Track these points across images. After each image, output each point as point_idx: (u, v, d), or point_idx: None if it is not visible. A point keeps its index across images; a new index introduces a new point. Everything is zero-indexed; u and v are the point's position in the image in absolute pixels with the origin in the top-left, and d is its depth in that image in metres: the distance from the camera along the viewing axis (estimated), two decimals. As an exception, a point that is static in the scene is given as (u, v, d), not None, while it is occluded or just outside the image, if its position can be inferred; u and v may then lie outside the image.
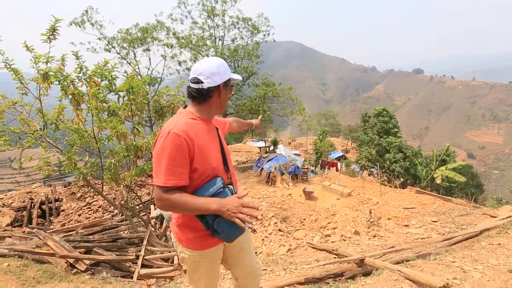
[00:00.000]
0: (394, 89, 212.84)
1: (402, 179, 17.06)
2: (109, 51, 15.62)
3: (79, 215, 8.12)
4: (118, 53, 15.69)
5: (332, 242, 5.12)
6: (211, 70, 1.32)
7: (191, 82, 1.34)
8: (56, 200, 9.61)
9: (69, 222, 7.85)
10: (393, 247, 3.36)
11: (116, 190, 8.63)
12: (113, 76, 3.96)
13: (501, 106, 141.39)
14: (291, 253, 4.74)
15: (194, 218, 1.30)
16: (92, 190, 9.37)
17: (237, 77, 1.50)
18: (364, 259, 2.86)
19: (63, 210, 9.06)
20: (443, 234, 4.28)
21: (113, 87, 3.91)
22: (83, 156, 5.42)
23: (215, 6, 17.03)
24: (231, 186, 1.38)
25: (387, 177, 17.47)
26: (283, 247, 5.35)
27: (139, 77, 15.24)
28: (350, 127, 54.60)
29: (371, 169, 19.49)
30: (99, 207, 8.19)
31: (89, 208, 8.38)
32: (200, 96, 1.34)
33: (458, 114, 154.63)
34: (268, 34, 18.24)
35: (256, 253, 5.24)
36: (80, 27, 14.24)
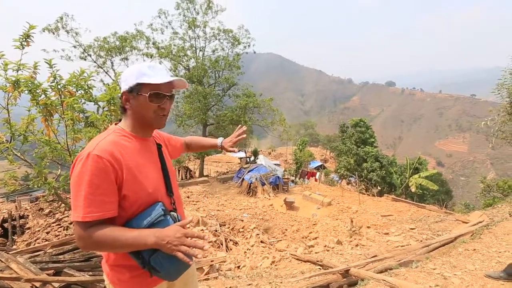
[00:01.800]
0: (369, 101, 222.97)
1: (379, 188, 17.66)
2: (85, 59, 15.03)
3: (47, 232, 7.55)
4: (95, 62, 15.13)
5: (316, 253, 5.12)
6: (122, 76, 1.15)
7: None
8: (21, 217, 8.88)
9: (35, 241, 7.26)
10: (375, 256, 3.42)
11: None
12: (89, 86, 3.79)
13: (465, 117, 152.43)
14: (275, 265, 4.68)
15: (128, 255, 1.09)
16: (62, 205, 8.79)
17: (158, 79, 1.10)
18: (349, 269, 2.87)
19: (28, 228, 8.38)
20: (421, 241, 4.43)
21: (91, 97, 3.73)
22: (52, 169, 5.09)
23: (196, 17, 17.10)
24: (174, 213, 1.18)
25: (365, 185, 18.00)
26: (266, 259, 5.27)
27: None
28: (329, 137, 56.18)
29: (349, 178, 20.01)
30: (70, 223, 7.67)
31: (59, 224, 7.82)
32: (121, 107, 1.19)
33: (427, 125, 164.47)
34: (249, 46, 18.53)
35: (239, 266, 5.12)
36: (53, 33, 13.64)
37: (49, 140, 3.85)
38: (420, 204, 12.30)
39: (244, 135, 1.81)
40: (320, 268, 3.54)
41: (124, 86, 1.14)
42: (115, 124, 1.21)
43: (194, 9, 17.19)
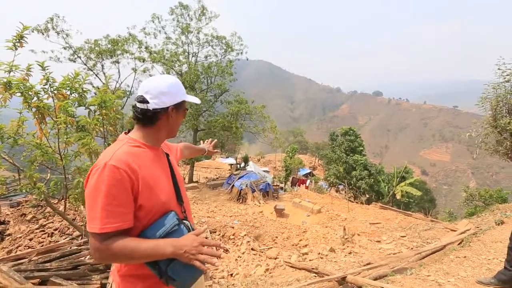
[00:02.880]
0: (357, 110, 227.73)
1: (367, 195, 17.92)
2: (74, 61, 14.67)
3: (30, 239, 7.21)
4: (85, 64, 14.82)
5: (310, 260, 5.13)
6: (159, 89, 1.14)
7: (137, 101, 1.16)
8: (1, 222, 8.48)
9: (17, 248, 6.93)
10: (369, 263, 3.46)
11: (76, 210, 7.91)
12: (84, 89, 3.73)
13: (448, 128, 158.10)
14: (270, 273, 4.65)
15: (142, 265, 1.08)
16: (47, 211, 8.47)
17: (195, 100, 1.28)
18: (345, 277, 2.90)
19: (9, 235, 7.99)
20: (412, 248, 4.53)
21: (84, 100, 3.67)
22: (40, 173, 4.93)
23: (189, 23, 17.14)
24: (187, 222, 1.18)
25: (354, 193, 18.24)
26: (260, 267, 5.23)
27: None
28: (317, 145, 56.81)
29: (338, 186, 20.23)
30: (56, 229, 7.38)
31: (43, 231, 7.48)
32: (145, 118, 1.16)
33: (412, 134, 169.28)
34: (241, 53, 18.67)
35: (232, 274, 5.06)
36: (43, 34, 13.33)
37: (40, 143, 3.74)
38: (407, 212, 12.56)
39: (215, 140, 2.26)
40: (315, 276, 3.55)
41: (169, 102, 1.17)
42: (125, 134, 1.22)
43: (188, 15, 17.25)
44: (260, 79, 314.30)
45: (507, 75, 7.58)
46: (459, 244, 3.86)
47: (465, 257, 3.01)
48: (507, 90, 7.69)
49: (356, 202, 16.04)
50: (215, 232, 9.25)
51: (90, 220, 0.99)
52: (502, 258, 2.93)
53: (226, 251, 7.93)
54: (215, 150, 2.22)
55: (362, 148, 19.68)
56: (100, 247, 0.98)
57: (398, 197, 17.57)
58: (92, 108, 3.93)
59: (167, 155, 1.34)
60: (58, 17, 13.79)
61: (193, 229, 1.18)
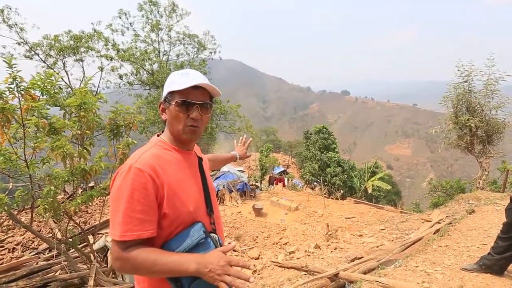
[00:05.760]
0: (327, 108, 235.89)
1: (341, 191, 18.62)
2: (31, 59, 13.40)
3: (-13, 257, 6.47)
4: (44, 62, 13.54)
5: (298, 258, 5.18)
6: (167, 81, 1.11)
7: None
8: (-50, 240, 7.51)
9: (-29, 267, 6.17)
10: (356, 258, 3.57)
11: (40, 222, 7.26)
12: (56, 90, 3.42)
13: (409, 124, 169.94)
14: (259, 274, 4.62)
15: (163, 281, 1.00)
16: (4, 224, 7.69)
17: (176, 86, 1.04)
18: (338, 273, 2.95)
19: (-40, 253, 7.10)
20: (392, 240, 4.77)
21: (56, 102, 3.37)
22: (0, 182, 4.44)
23: (159, 20, 16.49)
24: (215, 235, 1.08)
25: (328, 189, 18.85)
26: (246, 268, 5.17)
27: (69, 89, 13.48)
28: (290, 143, 57.87)
29: (314, 183, 20.78)
30: (18, 244, 6.69)
31: (2, 246, 6.76)
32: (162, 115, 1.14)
33: (378, 131, 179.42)
34: (215, 52, 18.39)
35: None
36: (-9, 28, 11.99)
37: (1, 149, 3.35)
38: (378, 205, 13.25)
39: (250, 139, 2.03)
40: (305, 274, 3.58)
41: (164, 93, 1.10)
42: (157, 136, 1.16)
43: (158, 11, 16.59)
44: (232, 78, 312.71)
45: (465, 75, 8.31)
46: (435, 233, 4.12)
47: (446, 246, 3.22)
48: (465, 90, 8.43)
49: (331, 198, 16.58)
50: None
51: (112, 226, 0.94)
52: (480, 245, 3.20)
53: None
54: (248, 155, 1.97)
55: (335, 146, 20.38)
56: (120, 257, 0.92)
57: (369, 190, 18.50)
58: (67, 109, 3.63)
59: (200, 159, 1.23)
60: (10, 9, 12.50)
61: (221, 244, 1.08)
